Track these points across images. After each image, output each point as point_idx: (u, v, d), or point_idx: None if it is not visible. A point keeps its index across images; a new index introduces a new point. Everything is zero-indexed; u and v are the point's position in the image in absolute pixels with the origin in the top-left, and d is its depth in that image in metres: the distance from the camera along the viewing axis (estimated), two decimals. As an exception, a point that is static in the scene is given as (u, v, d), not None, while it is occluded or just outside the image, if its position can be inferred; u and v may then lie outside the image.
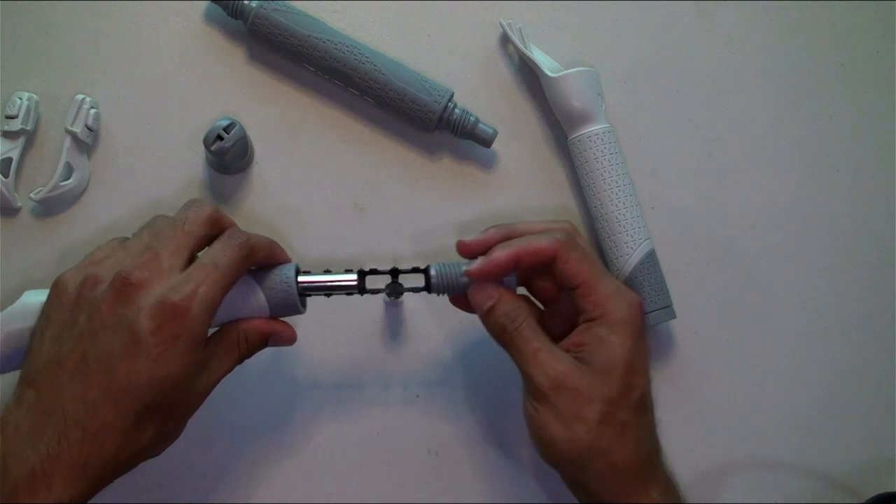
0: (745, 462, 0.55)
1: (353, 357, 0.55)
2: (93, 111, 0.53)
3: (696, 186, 0.58)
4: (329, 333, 0.54)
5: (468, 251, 0.45)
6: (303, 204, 0.55)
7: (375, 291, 0.45)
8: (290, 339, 0.45)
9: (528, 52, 0.55)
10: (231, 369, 0.43)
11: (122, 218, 0.54)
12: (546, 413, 0.42)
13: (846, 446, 0.56)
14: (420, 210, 0.56)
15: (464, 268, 0.44)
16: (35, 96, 0.54)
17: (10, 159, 0.53)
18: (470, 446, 0.54)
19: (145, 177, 0.54)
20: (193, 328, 0.38)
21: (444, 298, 0.46)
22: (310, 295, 0.45)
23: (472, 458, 0.54)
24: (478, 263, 0.43)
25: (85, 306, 0.39)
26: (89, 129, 0.53)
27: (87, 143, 0.54)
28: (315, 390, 0.54)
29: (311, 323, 0.54)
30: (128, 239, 0.43)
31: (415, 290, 0.45)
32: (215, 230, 0.43)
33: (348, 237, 0.55)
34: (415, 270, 0.45)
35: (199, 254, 0.43)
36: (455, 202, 0.56)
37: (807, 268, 0.58)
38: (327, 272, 0.45)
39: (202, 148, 0.51)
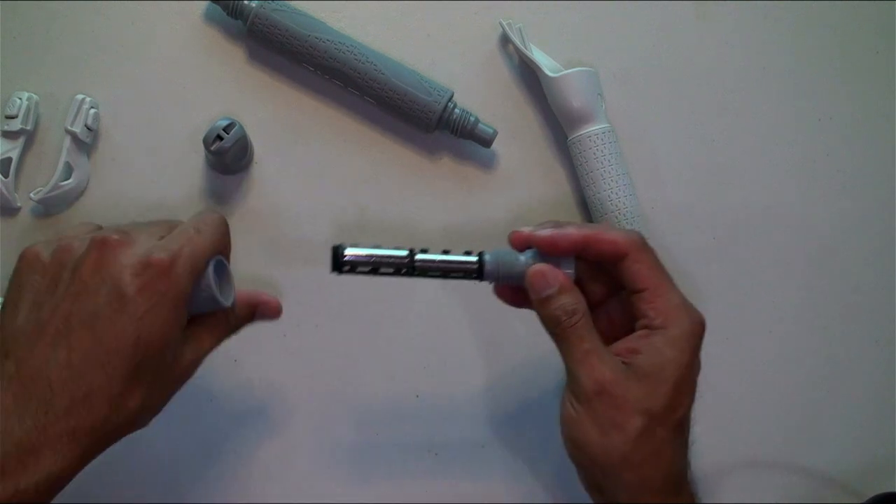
0: (744, 462, 0.55)
1: (353, 357, 0.55)
2: (93, 111, 0.53)
3: (696, 186, 0.58)
4: (329, 333, 0.54)
5: (521, 241, 0.42)
6: (303, 204, 0.55)
7: (426, 274, 0.41)
8: (276, 310, 0.44)
9: (528, 52, 0.55)
10: (218, 343, 0.42)
11: (121, 218, 0.54)
12: (585, 416, 0.40)
13: (846, 446, 0.56)
14: (420, 210, 0.56)
15: (521, 256, 0.42)
16: (35, 96, 0.54)
17: (9, 159, 0.53)
18: (470, 446, 0.54)
19: (145, 177, 0.54)
20: (179, 286, 0.37)
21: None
22: (356, 271, 0.41)
23: (472, 458, 0.54)
24: (547, 231, 0.41)
25: (63, 272, 0.38)
26: (89, 129, 0.53)
27: (86, 143, 0.54)
28: (314, 391, 0.54)
29: (310, 324, 0.54)
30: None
31: (466, 276, 0.42)
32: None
33: (348, 237, 0.55)
34: (467, 255, 0.42)
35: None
36: (455, 202, 0.56)
37: (807, 267, 0.58)
38: (377, 247, 0.41)
39: (202, 148, 0.51)
